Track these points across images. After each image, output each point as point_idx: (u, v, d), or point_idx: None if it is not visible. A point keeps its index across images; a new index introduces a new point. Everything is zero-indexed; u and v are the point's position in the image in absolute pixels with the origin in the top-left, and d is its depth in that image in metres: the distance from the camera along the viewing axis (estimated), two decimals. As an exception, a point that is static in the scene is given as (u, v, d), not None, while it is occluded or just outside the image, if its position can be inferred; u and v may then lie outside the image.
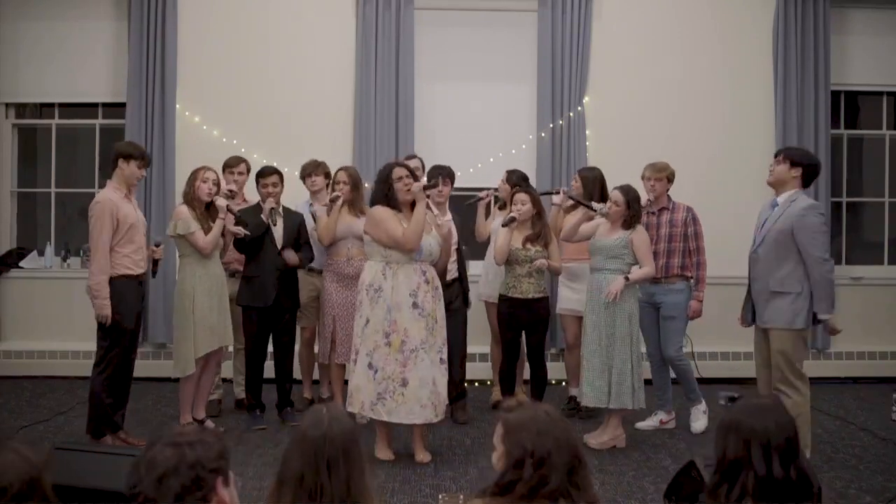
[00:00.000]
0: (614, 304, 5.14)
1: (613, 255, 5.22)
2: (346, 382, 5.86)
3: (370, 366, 4.79)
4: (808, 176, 4.78)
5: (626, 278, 5.16)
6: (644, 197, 5.55)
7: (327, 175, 6.05)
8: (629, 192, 5.29)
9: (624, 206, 5.24)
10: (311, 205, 6.01)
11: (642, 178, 5.71)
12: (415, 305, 4.77)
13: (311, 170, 6.03)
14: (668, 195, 5.73)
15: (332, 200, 5.66)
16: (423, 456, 4.93)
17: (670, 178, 5.70)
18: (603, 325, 5.18)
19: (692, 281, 5.65)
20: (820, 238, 4.67)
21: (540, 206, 5.62)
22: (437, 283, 4.93)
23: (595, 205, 5.47)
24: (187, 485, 1.87)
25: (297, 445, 2.18)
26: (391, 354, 4.75)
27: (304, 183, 6.08)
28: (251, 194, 6.01)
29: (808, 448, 4.68)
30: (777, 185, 4.78)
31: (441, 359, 4.86)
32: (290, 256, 5.62)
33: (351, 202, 5.73)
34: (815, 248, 4.62)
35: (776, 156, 4.88)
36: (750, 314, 4.90)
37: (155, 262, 5.26)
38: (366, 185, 5.99)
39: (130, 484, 1.89)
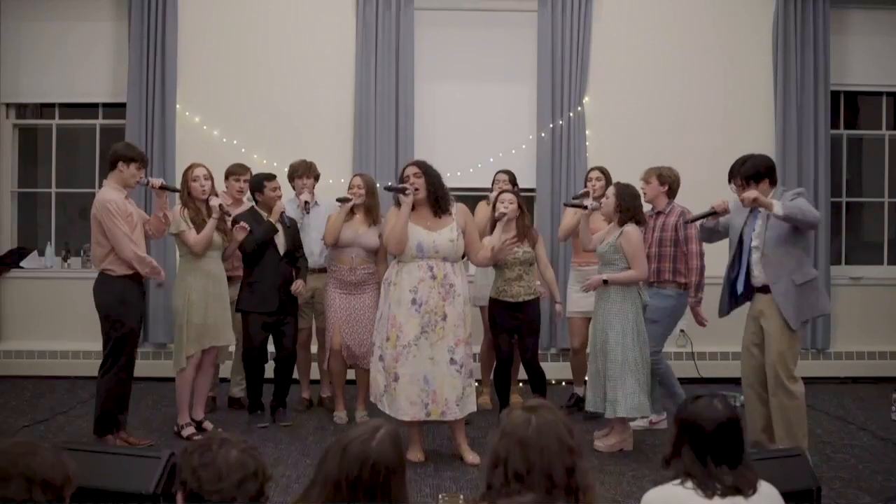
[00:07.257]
0: (604, 314, 5.12)
1: (607, 262, 5.18)
2: (348, 383, 5.91)
3: (381, 357, 4.88)
4: (771, 177, 4.71)
5: (605, 281, 5.11)
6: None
7: (317, 178, 6.08)
8: (620, 187, 5.21)
9: (614, 198, 5.17)
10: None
11: None
12: (413, 301, 4.77)
13: (304, 171, 5.99)
14: (667, 198, 5.62)
15: (340, 200, 5.62)
16: (470, 457, 4.90)
17: (662, 181, 5.58)
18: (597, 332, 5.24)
19: (687, 288, 5.49)
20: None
21: (524, 207, 5.60)
22: (453, 280, 4.81)
23: (586, 201, 5.53)
24: (260, 489, 1.95)
25: (336, 457, 2.06)
26: (389, 349, 4.82)
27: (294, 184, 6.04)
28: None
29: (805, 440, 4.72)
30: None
31: (452, 359, 4.78)
32: (298, 286, 5.65)
33: (367, 209, 5.66)
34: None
35: (732, 181, 4.74)
36: (727, 305, 4.92)
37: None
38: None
39: (193, 482, 1.92)
